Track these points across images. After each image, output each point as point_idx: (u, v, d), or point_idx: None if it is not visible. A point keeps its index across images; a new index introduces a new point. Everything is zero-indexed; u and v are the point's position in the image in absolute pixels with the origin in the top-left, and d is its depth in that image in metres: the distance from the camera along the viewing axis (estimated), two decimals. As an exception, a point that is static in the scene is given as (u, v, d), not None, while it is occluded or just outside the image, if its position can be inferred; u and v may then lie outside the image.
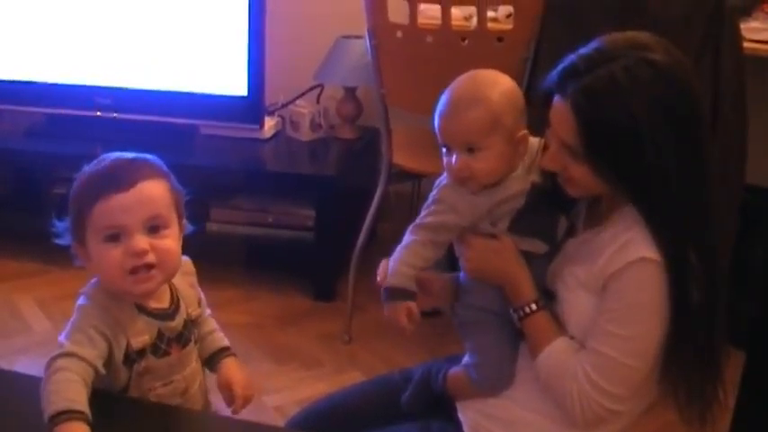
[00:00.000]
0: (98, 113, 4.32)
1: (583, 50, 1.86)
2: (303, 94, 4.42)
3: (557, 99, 1.87)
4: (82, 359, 1.71)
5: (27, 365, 3.42)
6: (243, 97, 4.16)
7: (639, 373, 1.90)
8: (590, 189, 1.92)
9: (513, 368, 2.05)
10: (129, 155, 1.91)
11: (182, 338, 1.89)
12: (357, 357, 3.63)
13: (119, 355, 1.79)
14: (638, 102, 1.77)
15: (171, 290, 1.91)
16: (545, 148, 1.96)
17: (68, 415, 1.61)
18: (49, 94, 4.38)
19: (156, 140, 4.13)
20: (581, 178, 1.88)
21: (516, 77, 3.14)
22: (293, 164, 4.25)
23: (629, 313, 1.86)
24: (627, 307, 1.86)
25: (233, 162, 4.18)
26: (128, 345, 1.80)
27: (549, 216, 2.04)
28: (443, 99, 1.99)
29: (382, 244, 4.19)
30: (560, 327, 1.98)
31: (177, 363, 1.89)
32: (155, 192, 1.82)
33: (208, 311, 2.04)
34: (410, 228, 2.04)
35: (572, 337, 1.96)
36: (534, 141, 2.03)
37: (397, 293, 2.03)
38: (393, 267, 2.03)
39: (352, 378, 3.42)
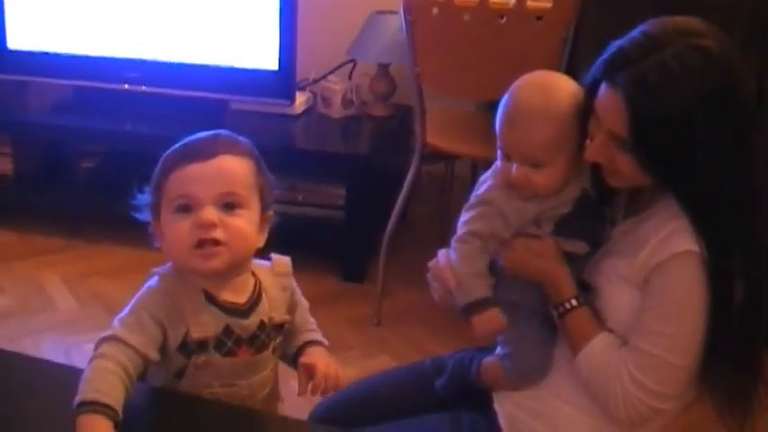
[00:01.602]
0: (126, 87, 4.27)
1: (631, 36, 1.78)
2: (335, 69, 4.35)
3: (605, 88, 1.79)
4: (129, 345, 1.65)
5: (52, 344, 3.40)
6: (274, 71, 4.09)
7: (686, 371, 1.84)
8: (634, 181, 1.86)
9: (546, 360, 2.01)
10: (221, 132, 1.83)
11: (255, 341, 1.80)
12: (386, 341, 3.56)
13: (174, 343, 1.73)
14: (690, 91, 1.71)
15: (255, 286, 1.83)
16: (590, 138, 1.87)
17: (94, 407, 1.56)
18: (77, 66, 4.33)
19: (185, 115, 4.13)
20: (627, 170, 1.82)
21: (555, 58, 3.13)
22: (324, 141, 4.19)
23: (674, 310, 1.81)
24: (672, 303, 1.81)
25: (262, 138, 4.00)
26: (187, 334, 1.73)
27: (595, 220, 1.98)
28: (510, 104, 1.91)
29: (414, 225, 4.15)
30: (600, 322, 1.92)
31: (244, 367, 1.80)
32: (234, 168, 1.75)
33: (312, 321, 1.98)
34: (458, 236, 1.97)
35: (611, 331, 1.91)
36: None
37: (475, 306, 1.95)
38: (462, 284, 1.95)
39: (380, 362, 3.37)
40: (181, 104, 4.21)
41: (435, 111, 3.58)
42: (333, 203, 4.05)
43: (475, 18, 3.23)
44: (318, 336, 1.95)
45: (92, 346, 1.68)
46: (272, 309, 1.83)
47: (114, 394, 1.59)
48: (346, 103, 4.27)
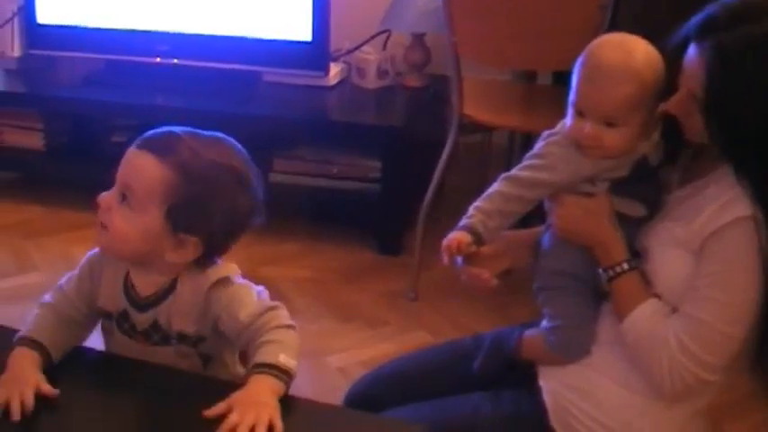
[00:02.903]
0: (157, 60, 4.23)
1: (727, 1, 1.76)
2: (369, 39, 4.28)
3: (692, 48, 1.78)
4: (65, 294, 1.87)
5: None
6: (307, 42, 4.02)
7: (736, 342, 1.81)
8: (705, 139, 1.82)
9: (591, 335, 1.97)
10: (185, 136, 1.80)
11: (149, 337, 1.85)
12: (423, 316, 3.51)
13: (97, 302, 1.88)
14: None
15: (167, 288, 1.82)
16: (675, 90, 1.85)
17: (22, 341, 1.79)
18: (108, 40, 4.30)
19: (217, 88, 4.11)
20: (699, 129, 1.80)
21: (594, 25, 3.06)
22: (359, 113, 4.13)
23: (729, 277, 1.78)
24: (727, 270, 1.77)
25: (296, 110, 4.08)
26: (98, 299, 1.87)
27: (652, 185, 1.94)
28: (590, 61, 1.90)
29: (451, 197, 4.10)
30: (650, 288, 1.89)
31: (144, 353, 1.85)
32: (142, 167, 1.75)
33: (268, 330, 1.77)
34: (502, 176, 1.97)
35: (660, 297, 1.87)
36: None
37: (465, 227, 1.97)
38: (470, 212, 1.98)
39: (417, 338, 3.33)
40: (213, 77, 4.18)
41: (472, 81, 3.51)
42: (368, 176, 3.99)
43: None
44: (276, 356, 1.71)
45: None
46: (174, 315, 1.81)
47: (46, 334, 1.79)
48: (381, 73, 4.21)
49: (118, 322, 1.85)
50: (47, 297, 1.88)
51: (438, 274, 3.68)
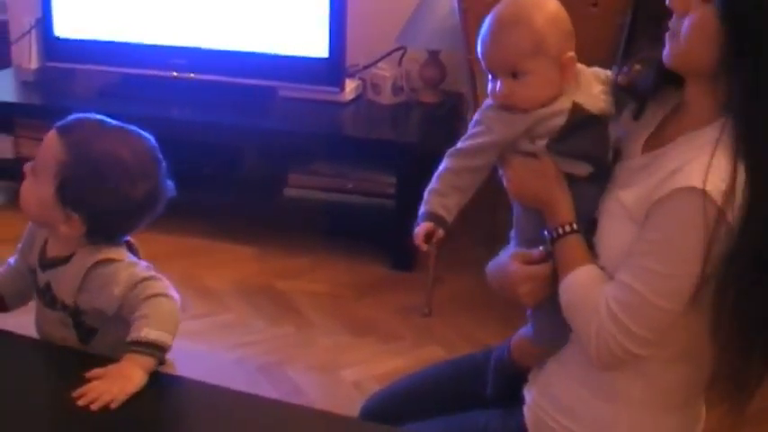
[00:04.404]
0: (174, 74, 4.25)
1: None
2: (385, 56, 4.30)
3: None
4: (18, 250, 2.05)
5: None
6: (323, 59, 4.05)
7: (668, 316, 1.72)
8: (697, 54, 1.72)
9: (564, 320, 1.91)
10: (111, 122, 1.95)
11: (42, 295, 1.95)
12: (437, 331, 3.51)
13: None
14: None
15: (65, 257, 1.91)
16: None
17: None
18: (125, 53, 4.34)
19: (233, 102, 4.13)
20: (697, 28, 1.70)
21: (611, 44, 3.06)
22: (374, 128, 4.15)
23: (668, 248, 1.69)
24: (667, 241, 1.69)
25: (312, 126, 4.09)
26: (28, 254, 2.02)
27: (597, 139, 1.92)
28: (485, 23, 1.91)
29: (464, 214, 4.09)
30: (593, 255, 1.84)
31: (40, 311, 1.97)
32: (47, 142, 1.88)
33: (146, 314, 1.82)
34: (447, 152, 1.99)
35: (603, 270, 1.81)
36: (582, 67, 1.93)
37: (426, 216, 1.98)
38: (425, 198, 1.99)
39: (431, 353, 3.33)
40: (229, 91, 4.20)
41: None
42: (383, 191, 4.01)
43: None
44: (147, 331, 1.76)
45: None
46: (59, 282, 1.92)
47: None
48: (396, 89, 4.23)
49: (33, 278, 1.98)
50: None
51: (451, 290, 3.69)
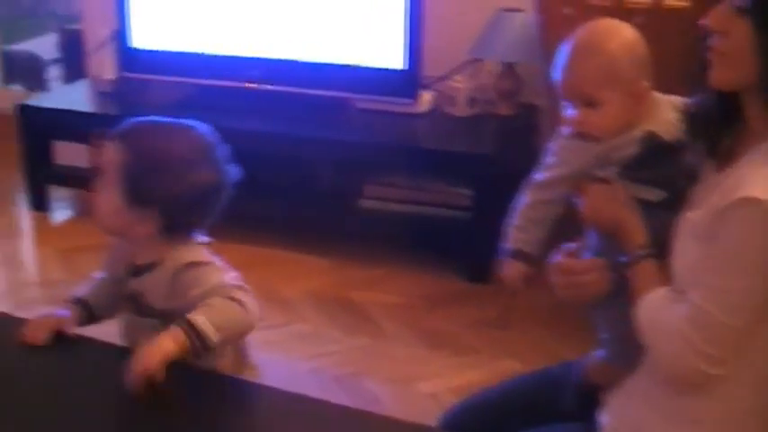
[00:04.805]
0: (249, 85, 4.28)
1: None
2: (460, 68, 4.29)
3: None
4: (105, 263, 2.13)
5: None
6: (399, 70, 4.06)
7: (737, 333, 1.67)
8: (741, 69, 1.70)
9: (637, 347, 1.87)
10: (163, 120, 2.04)
11: (132, 303, 2.01)
12: (513, 345, 3.50)
13: None
14: None
15: (149, 263, 1.97)
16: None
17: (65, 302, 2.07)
18: (200, 64, 4.39)
19: (309, 114, 4.14)
20: (737, 43, 1.68)
21: (692, 57, 3.02)
22: (449, 141, 4.12)
23: (726, 262, 1.65)
24: (725, 254, 1.65)
25: (387, 137, 4.10)
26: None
27: (671, 167, 1.91)
28: (561, 51, 1.94)
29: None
30: (667, 279, 1.81)
31: (128, 319, 2.04)
32: (108, 154, 1.95)
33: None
34: (524, 184, 2.02)
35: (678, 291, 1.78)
36: (658, 95, 1.96)
37: (510, 254, 2.02)
38: (507, 233, 2.03)
39: (507, 367, 3.32)
40: (305, 103, 4.22)
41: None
42: (459, 204, 4.00)
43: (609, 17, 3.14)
44: (191, 313, 1.84)
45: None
46: (147, 288, 1.97)
47: (89, 292, 2.10)
48: (471, 101, 4.22)
49: (120, 288, 2.04)
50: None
51: (527, 303, 3.66)
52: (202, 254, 1.96)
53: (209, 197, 1.96)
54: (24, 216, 4.76)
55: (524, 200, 2.01)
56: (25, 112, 4.60)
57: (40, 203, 4.70)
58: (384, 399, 3.13)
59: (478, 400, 2.26)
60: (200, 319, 1.80)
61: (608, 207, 1.93)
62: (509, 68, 4.17)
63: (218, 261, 1.96)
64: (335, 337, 3.54)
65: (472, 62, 4.28)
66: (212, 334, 1.80)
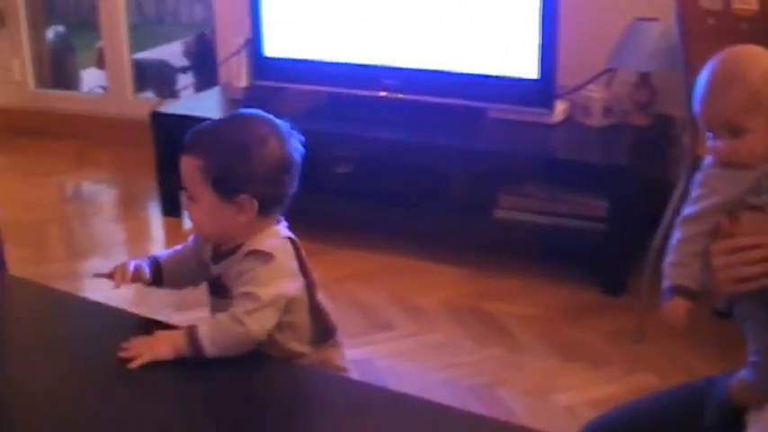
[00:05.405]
0: (382, 93, 4.30)
1: None
2: (595, 78, 4.26)
3: None
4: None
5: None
6: (534, 80, 4.04)
7: None
8: None
9: None
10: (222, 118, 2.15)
11: (214, 286, 2.11)
12: (649, 358, 3.45)
13: None
14: None
15: (233, 247, 2.05)
16: None
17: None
18: (333, 73, 4.42)
19: (442, 123, 4.15)
20: None
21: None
22: (584, 151, 4.10)
23: None
24: None
25: (521, 147, 4.08)
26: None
27: None
28: (699, 81, 1.90)
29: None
30: None
31: (212, 302, 2.13)
32: (184, 167, 2.03)
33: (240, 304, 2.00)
34: (677, 221, 1.97)
35: None
36: None
37: (674, 291, 1.95)
38: (665, 272, 1.96)
39: (644, 380, 3.28)
40: (437, 112, 4.24)
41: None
42: (594, 215, 3.96)
43: (754, 28, 3.09)
44: (200, 321, 1.98)
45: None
46: (227, 270, 2.06)
47: (166, 258, 2.21)
48: (606, 112, 4.18)
49: (206, 271, 2.13)
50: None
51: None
52: (271, 243, 2.03)
53: (290, 167, 2.07)
54: (156, 221, 4.89)
55: (679, 235, 1.96)
56: (158, 119, 4.70)
57: (172, 209, 4.78)
58: (519, 410, 3.11)
59: (616, 416, 2.22)
60: (202, 330, 1.93)
61: (764, 235, 1.87)
62: (645, 78, 4.12)
63: (287, 253, 2.06)
64: (469, 347, 3.54)
65: (607, 72, 4.25)
66: (208, 347, 1.91)
